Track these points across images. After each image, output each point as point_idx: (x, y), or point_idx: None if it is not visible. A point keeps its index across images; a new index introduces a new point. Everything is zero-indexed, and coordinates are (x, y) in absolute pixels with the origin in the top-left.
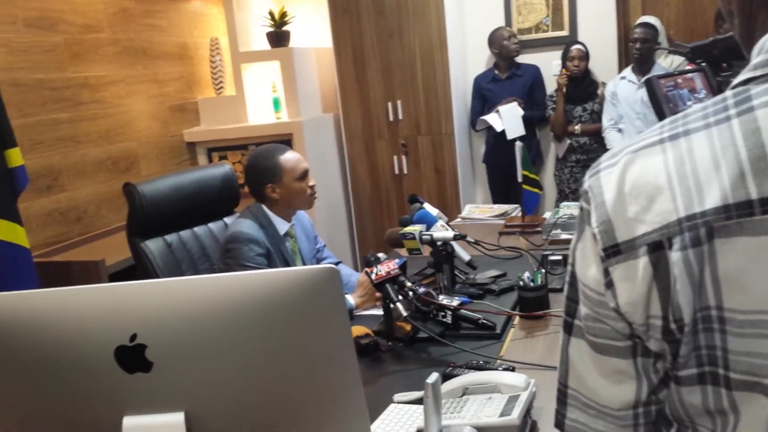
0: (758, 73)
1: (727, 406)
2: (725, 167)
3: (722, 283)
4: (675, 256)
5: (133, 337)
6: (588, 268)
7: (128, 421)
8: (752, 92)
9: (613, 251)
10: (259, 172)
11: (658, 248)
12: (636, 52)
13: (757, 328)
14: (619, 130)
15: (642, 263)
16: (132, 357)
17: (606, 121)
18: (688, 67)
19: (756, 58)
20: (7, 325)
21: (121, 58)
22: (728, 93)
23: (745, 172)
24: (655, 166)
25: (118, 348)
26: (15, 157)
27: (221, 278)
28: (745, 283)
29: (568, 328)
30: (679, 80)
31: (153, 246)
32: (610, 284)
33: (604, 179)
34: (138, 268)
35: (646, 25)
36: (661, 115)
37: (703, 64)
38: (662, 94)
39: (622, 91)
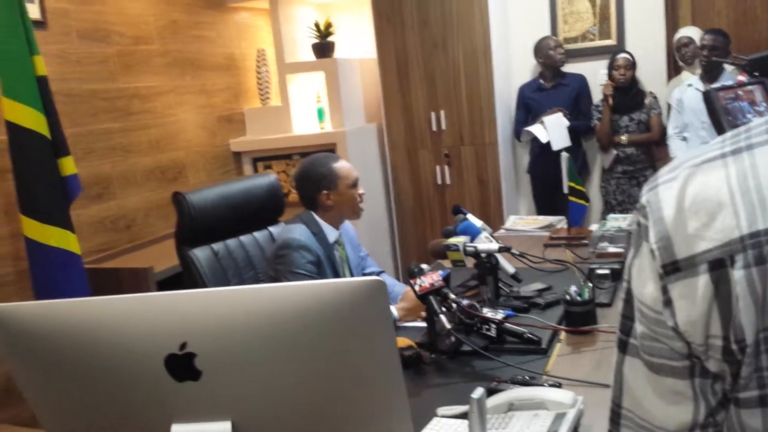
0: None
1: None
2: None
3: None
4: (737, 274)
5: (183, 345)
6: (645, 285)
7: (176, 429)
8: None
9: (673, 268)
10: (314, 180)
11: (719, 266)
12: (704, 60)
13: None
14: (684, 139)
15: (702, 281)
16: (181, 365)
17: (671, 129)
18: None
19: None
20: (61, 331)
21: (170, 69)
22: None
23: None
24: (716, 181)
25: (168, 356)
26: (68, 165)
27: (270, 288)
28: None
29: (623, 347)
30: (740, 92)
31: (200, 254)
32: (668, 302)
33: (663, 194)
34: (185, 276)
35: (717, 32)
36: (719, 128)
37: (760, 76)
38: (721, 107)
39: (688, 99)
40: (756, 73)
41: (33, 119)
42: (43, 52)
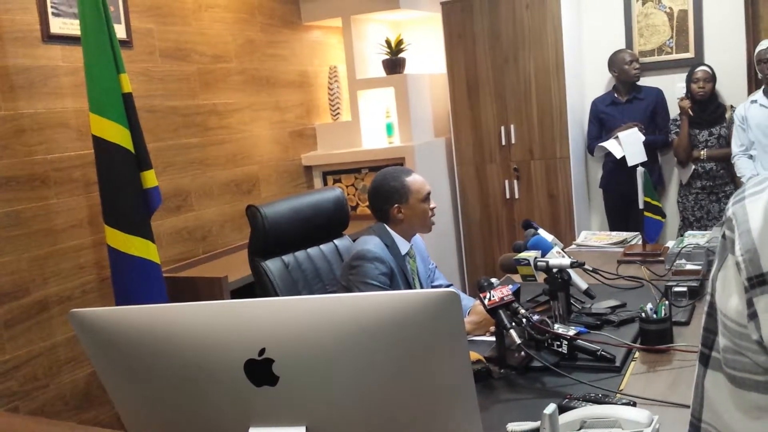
0: None
1: None
2: None
3: None
4: None
5: (262, 351)
6: (729, 298)
7: None
8: None
9: (758, 281)
10: (387, 193)
11: None
12: (765, 75)
13: None
14: (750, 157)
15: None
16: (260, 370)
17: (736, 147)
18: None
19: None
20: (143, 336)
21: (246, 86)
22: None
23: None
24: None
25: (247, 361)
26: (150, 178)
27: (346, 298)
28: None
29: (705, 360)
30: None
31: (272, 266)
32: (753, 315)
33: (750, 206)
34: (257, 287)
35: None
36: None
37: None
38: None
39: (753, 116)
40: None
41: (118, 134)
42: (128, 70)
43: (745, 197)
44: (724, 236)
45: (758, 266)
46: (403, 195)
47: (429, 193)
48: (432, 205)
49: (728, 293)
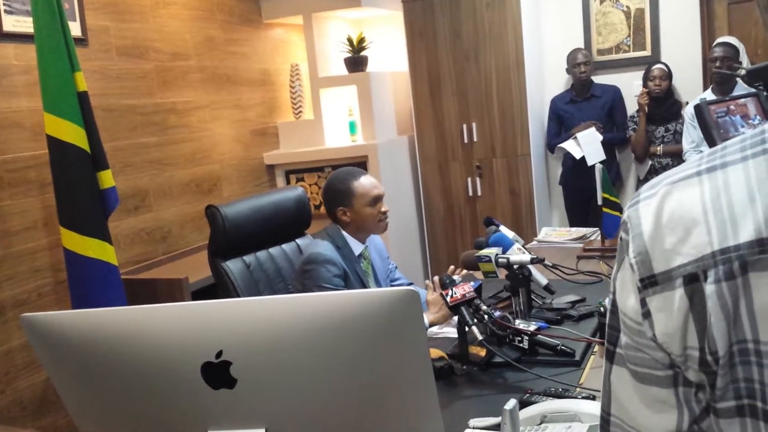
0: None
1: None
2: (760, 201)
3: (758, 317)
4: (709, 288)
5: (219, 353)
6: (627, 298)
7: None
8: None
9: (650, 282)
10: (333, 195)
11: (693, 280)
12: (715, 72)
13: None
14: (700, 153)
15: (678, 295)
16: (217, 373)
17: (686, 144)
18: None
19: None
20: (99, 340)
21: (206, 85)
22: (767, 126)
23: None
24: (691, 198)
25: (204, 364)
26: (106, 178)
27: (304, 298)
28: None
29: (611, 356)
30: (731, 106)
31: (233, 267)
32: (647, 314)
33: (643, 210)
34: (219, 288)
35: (725, 44)
36: (711, 142)
37: (761, 88)
38: (712, 121)
39: None
40: (758, 85)
41: (73, 134)
42: (84, 68)
43: (639, 201)
44: (621, 239)
45: (650, 268)
46: (347, 198)
47: (378, 197)
48: (383, 209)
49: (626, 293)
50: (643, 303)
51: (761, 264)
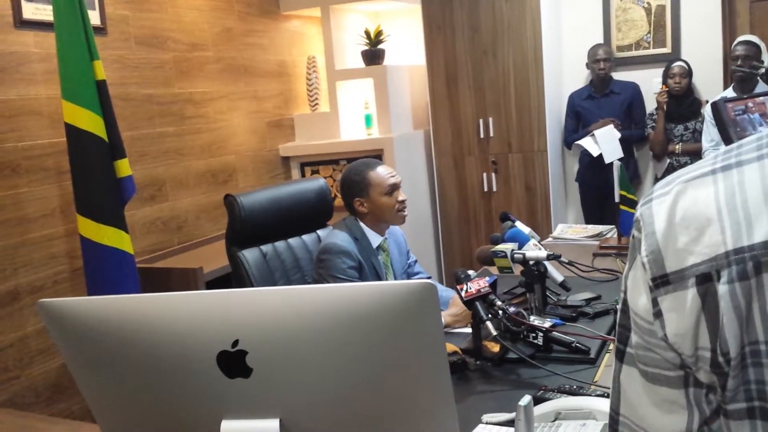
0: None
1: None
2: None
3: None
4: (722, 289)
5: (235, 343)
6: (639, 297)
7: (226, 425)
8: None
9: (662, 281)
10: (349, 187)
11: (706, 280)
12: (737, 71)
13: None
14: None
15: (690, 294)
16: (233, 362)
17: (706, 143)
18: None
19: None
20: (114, 327)
21: (224, 76)
22: None
23: None
24: (706, 197)
25: (220, 353)
26: (123, 167)
27: (321, 289)
28: None
29: (621, 356)
30: (750, 104)
31: (249, 255)
32: (658, 314)
33: (656, 208)
34: (234, 277)
35: (747, 43)
36: (728, 141)
37: None
38: (729, 119)
39: None
40: None
41: (91, 122)
42: (102, 57)
43: (652, 199)
44: (633, 236)
45: (662, 267)
46: (363, 189)
47: (394, 186)
48: (400, 198)
49: (637, 292)
50: (655, 302)
51: None
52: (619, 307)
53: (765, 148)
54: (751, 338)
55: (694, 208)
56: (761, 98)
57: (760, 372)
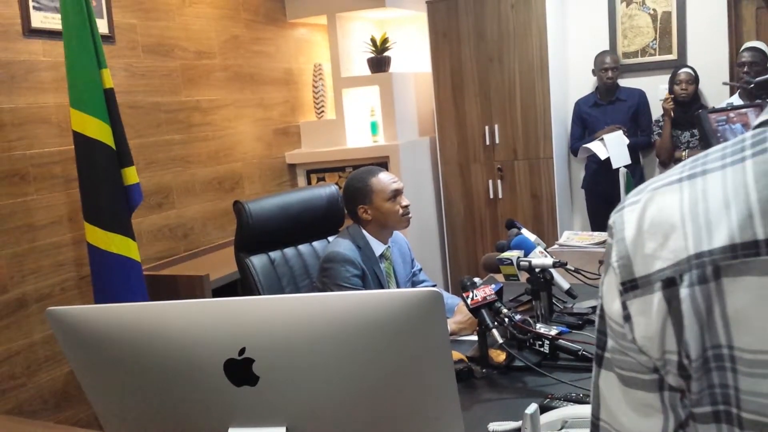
0: None
1: None
2: (735, 208)
3: (731, 322)
4: (683, 292)
5: (242, 350)
6: (612, 302)
7: None
8: None
9: (631, 285)
10: (352, 194)
11: (671, 284)
12: (743, 77)
13: (762, 368)
14: None
15: (657, 298)
16: (240, 370)
17: None
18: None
19: None
20: (123, 334)
21: (230, 83)
22: (748, 134)
23: (754, 213)
24: (671, 204)
25: (227, 361)
26: (131, 175)
27: (327, 297)
28: (752, 322)
29: (599, 361)
30: (732, 115)
31: (257, 261)
32: (627, 317)
33: (627, 216)
34: (242, 282)
35: (754, 49)
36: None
37: (766, 98)
38: (711, 129)
39: None
40: (764, 96)
41: (99, 130)
42: (110, 65)
43: (624, 207)
44: (607, 243)
45: (631, 272)
46: (366, 195)
47: (397, 191)
48: (404, 203)
49: (611, 297)
50: (624, 306)
51: (733, 269)
52: (597, 313)
53: (729, 158)
54: (714, 342)
55: (660, 215)
56: (744, 109)
57: (723, 376)
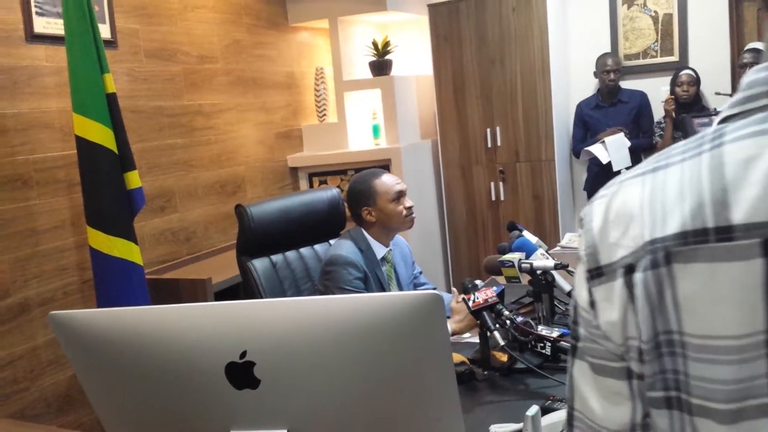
0: (735, 110)
1: None
2: (689, 197)
3: (681, 308)
4: (637, 277)
5: (243, 354)
6: (581, 290)
7: None
8: (727, 129)
9: (597, 273)
10: (356, 196)
11: (631, 271)
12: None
13: (708, 353)
14: None
15: (618, 285)
16: (241, 373)
17: None
18: None
19: (736, 95)
20: (124, 338)
21: (232, 87)
22: (710, 130)
23: (705, 203)
24: (633, 196)
25: (228, 364)
26: (133, 179)
27: (328, 300)
28: (699, 308)
29: (573, 351)
30: (714, 118)
31: (259, 265)
32: (593, 304)
33: (596, 208)
34: (244, 286)
35: (756, 50)
36: None
37: None
38: (694, 132)
39: None
40: None
41: (102, 134)
42: (112, 70)
43: (595, 200)
44: (579, 235)
45: (596, 260)
46: (370, 197)
47: (400, 193)
48: (408, 204)
49: (580, 286)
50: (590, 293)
51: (684, 255)
52: (571, 303)
53: (689, 152)
54: (666, 327)
55: (623, 206)
56: None
57: (674, 361)
